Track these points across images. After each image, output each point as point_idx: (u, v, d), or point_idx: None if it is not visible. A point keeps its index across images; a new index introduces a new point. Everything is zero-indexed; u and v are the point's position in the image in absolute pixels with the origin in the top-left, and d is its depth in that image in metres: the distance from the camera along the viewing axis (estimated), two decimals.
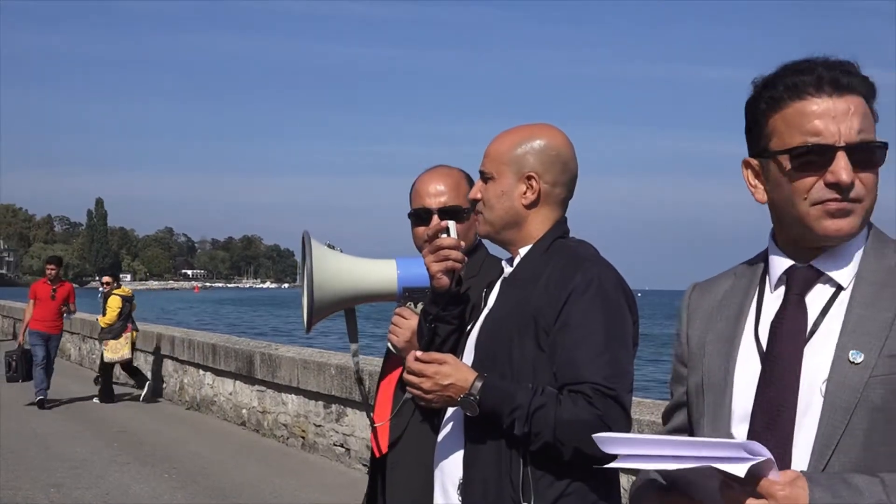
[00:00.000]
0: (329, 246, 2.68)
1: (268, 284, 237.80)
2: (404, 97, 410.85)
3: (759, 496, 1.33)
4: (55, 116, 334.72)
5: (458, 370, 2.09)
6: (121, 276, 16.06)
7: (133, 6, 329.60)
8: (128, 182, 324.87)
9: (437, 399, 2.13)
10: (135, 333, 13.17)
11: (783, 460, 1.43)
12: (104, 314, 12.97)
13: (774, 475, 1.33)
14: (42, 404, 11.97)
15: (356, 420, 8.29)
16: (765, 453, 1.30)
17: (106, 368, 12.86)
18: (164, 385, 13.30)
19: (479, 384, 2.04)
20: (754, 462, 1.29)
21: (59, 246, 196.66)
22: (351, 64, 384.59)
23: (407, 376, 2.17)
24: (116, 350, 12.80)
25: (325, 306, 2.62)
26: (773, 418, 1.48)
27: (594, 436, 1.46)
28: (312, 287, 2.55)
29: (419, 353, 2.15)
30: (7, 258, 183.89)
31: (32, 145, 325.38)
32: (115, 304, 12.94)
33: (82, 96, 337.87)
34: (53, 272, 12.89)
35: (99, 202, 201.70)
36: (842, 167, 1.45)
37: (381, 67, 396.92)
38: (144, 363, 14.00)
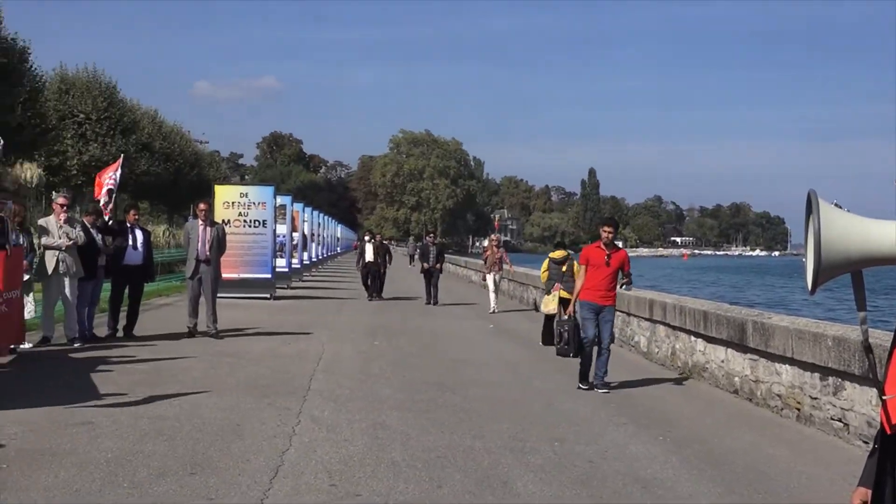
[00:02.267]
0: (835, 205, 2.56)
1: (757, 252, 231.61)
2: None
3: None
4: (557, 92, 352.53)
5: None
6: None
7: None
8: (618, 153, 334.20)
9: None
10: (562, 292, 14.95)
11: None
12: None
13: None
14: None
15: (855, 395, 7.86)
16: None
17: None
18: (657, 350, 13.57)
19: None
20: None
21: (555, 214, 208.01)
22: None
23: None
24: (546, 304, 15.55)
25: (832, 266, 2.51)
26: None
27: None
28: (819, 247, 2.47)
29: None
30: (511, 226, 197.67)
31: (533, 120, 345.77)
32: (544, 265, 16.15)
33: (566, 72, 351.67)
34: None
35: (591, 172, 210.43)
36: None
37: None
38: (638, 328, 14.44)
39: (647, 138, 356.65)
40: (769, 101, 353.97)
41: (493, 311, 21.47)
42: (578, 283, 11.06)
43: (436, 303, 23.50)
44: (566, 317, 11.74)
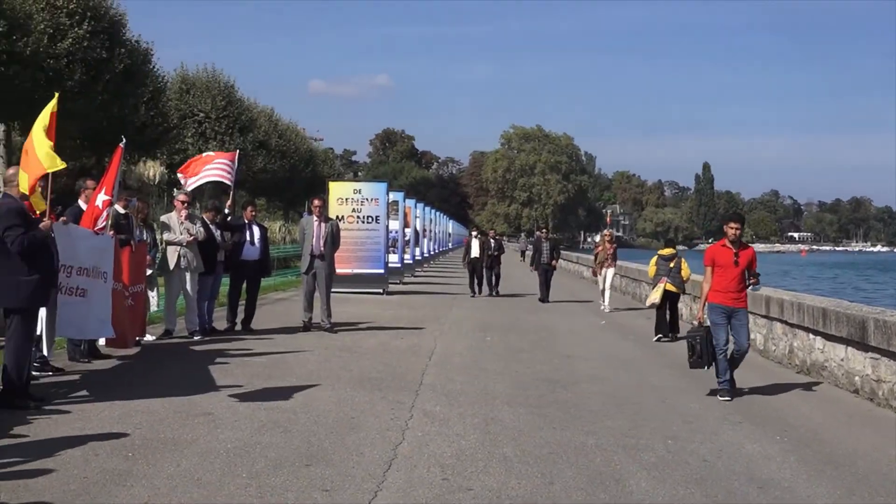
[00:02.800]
0: None
1: (878, 248, 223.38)
2: None
3: None
4: (670, 85, 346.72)
5: None
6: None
7: None
8: (732, 147, 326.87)
9: None
10: (668, 285, 15.62)
11: None
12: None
13: None
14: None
15: None
16: None
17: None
18: (774, 348, 13.25)
19: None
20: None
21: (668, 210, 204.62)
22: None
23: None
24: (651, 296, 16.12)
25: None
26: None
27: None
28: None
29: None
30: (623, 221, 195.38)
31: (646, 114, 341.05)
32: (652, 262, 16.38)
33: (680, 65, 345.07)
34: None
35: (706, 167, 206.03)
36: None
37: None
38: (754, 325, 14.11)
39: (763, 132, 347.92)
40: (891, 93, 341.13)
41: (605, 309, 20.99)
42: (705, 287, 10.19)
43: (547, 300, 23.10)
44: (695, 323, 10.84)
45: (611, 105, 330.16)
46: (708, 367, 10.19)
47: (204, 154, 17.74)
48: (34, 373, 9.07)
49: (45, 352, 9.63)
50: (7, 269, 7.92)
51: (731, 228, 10.14)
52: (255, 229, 14.74)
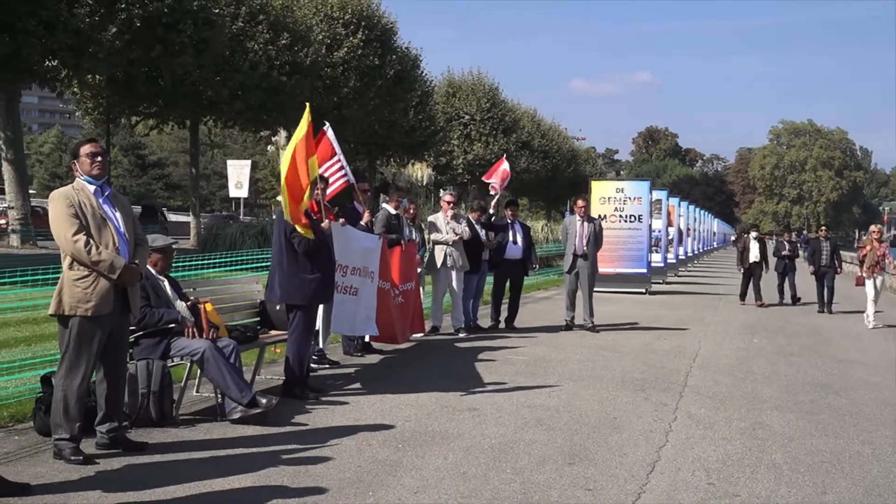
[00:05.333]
0: None
1: None
2: None
3: None
4: None
5: None
6: None
7: None
8: None
9: None
10: None
11: None
12: None
13: None
14: None
15: None
16: None
17: None
18: None
19: None
20: None
21: None
22: None
23: None
24: None
25: None
26: None
27: None
28: None
29: None
30: None
31: None
32: None
33: None
34: None
35: None
36: None
37: None
38: None
39: None
40: None
41: (870, 325, 17.31)
42: None
43: (830, 310, 20.03)
44: None
45: (890, 97, 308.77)
46: None
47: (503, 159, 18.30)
48: (312, 365, 9.66)
49: (321, 345, 10.28)
50: (293, 268, 8.48)
51: None
52: (518, 228, 14.96)
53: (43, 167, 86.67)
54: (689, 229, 40.42)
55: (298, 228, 8.29)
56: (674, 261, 33.10)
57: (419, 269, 12.95)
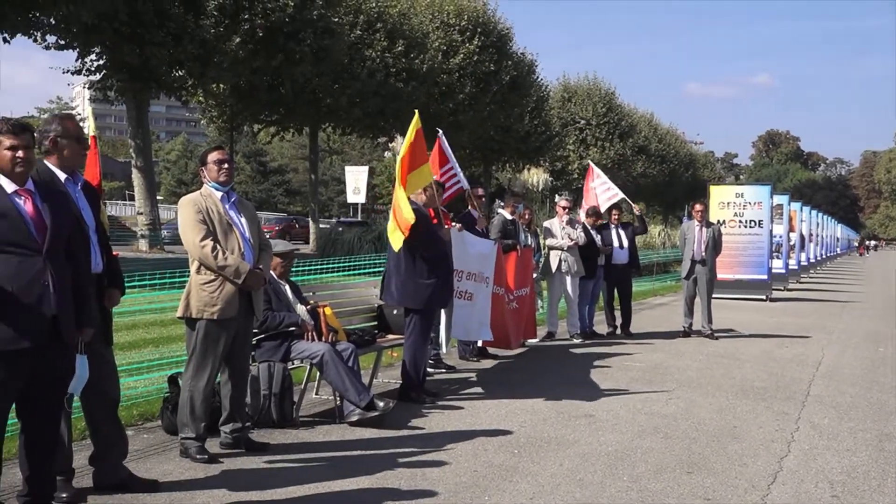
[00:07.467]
0: None
1: None
2: None
3: None
4: None
5: None
6: None
7: None
8: None
9: None
10: None
11: None
12: None
13: None
14: None
15: None
16: None
17: None
18: None
19: None
20: None
21: None
22: None
23: None
24: None
25: None
26: None
27: None
28: None
29: None
30: None
31: None
32: None
33: None
34: None
35: None
36: None
37: None
38: None
39: None
40: None
41: None
42: None
43: None
44: None
45: None
46: None
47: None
48: (429, 370, 9.75)
49: (442, 350, 10.39)
50: (410, 272, 8.59)
51: None
52: (622, 232, 14.74)
53: (170, 174, 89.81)
54: (811, 235, 39.30)
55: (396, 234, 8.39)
56: (795, 267, 32.22)
57: (534, 275, 12.94)
